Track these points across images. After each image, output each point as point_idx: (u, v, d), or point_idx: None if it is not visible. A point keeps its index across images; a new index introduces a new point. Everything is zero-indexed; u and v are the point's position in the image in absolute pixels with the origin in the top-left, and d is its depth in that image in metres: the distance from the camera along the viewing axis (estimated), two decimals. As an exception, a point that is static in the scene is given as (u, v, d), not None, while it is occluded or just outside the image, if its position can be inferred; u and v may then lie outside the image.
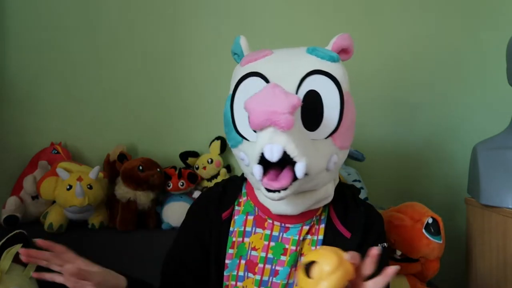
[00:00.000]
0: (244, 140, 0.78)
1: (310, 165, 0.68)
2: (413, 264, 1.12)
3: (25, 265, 1.06)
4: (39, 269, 1.07)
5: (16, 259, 1.02)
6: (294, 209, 0.78)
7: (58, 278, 0.70)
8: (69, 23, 1.51)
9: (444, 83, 1.57)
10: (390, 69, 1.56)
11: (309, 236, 0.83)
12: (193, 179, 1.43)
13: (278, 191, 0.67)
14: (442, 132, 1.58)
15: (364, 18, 1.55)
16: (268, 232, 0.83)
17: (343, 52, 0.81)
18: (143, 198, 1.36)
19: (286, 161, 0.66)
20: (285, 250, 0.82)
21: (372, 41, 1.54)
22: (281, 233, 0.83)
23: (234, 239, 0.84)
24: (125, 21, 1.53)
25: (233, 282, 0.82)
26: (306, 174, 0.69)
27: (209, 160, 1.47)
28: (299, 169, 0.65)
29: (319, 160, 0.73)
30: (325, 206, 0.85)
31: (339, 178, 0.92)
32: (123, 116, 1.54)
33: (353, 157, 1.43)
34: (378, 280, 0.60)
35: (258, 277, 0.81)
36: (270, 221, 0.84)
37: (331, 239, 0.82)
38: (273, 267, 0.81)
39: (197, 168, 1.48)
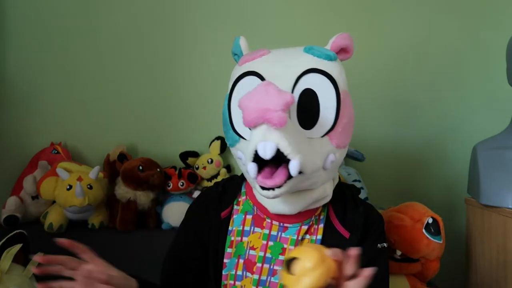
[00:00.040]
0: (241, 139, 0.78)
1: (304, 163, 0.68)
2: (413, 264, 1.12)
3: (25, 265, 1.06)
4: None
5: (16, 259, 1.02)
6: (292, 208, 0.78)
7: (67, 285, 0.69)
8: (69, 23, 1.51)
9: (444, 83, 1.57)
10: (390, 69, 1.56)
11: (307, 236, 0.83)
12: (193, 179, 1.43)
13: (273, 189, 0.67)
14: (442, 132, 1.58)
15: (364, 18, 1.55)
16: (266, 231, 0.83)
17: (343, 52, 0.81)
18: (143, 198, 1.36)
19: (280, 159, 0.66)
20: (284, 249, 0.81)
21: (372, 41, 1.54)
22: (279, 233, 0.83)
23: (232, 238, 0.84)
24: (125, 21, 1.53)
25: (232, 282, 0.82)
26: (301, 172, 0.69)
27: (209, 160, 1.47)
28: (293, 167, 0.65)
29: (315, 158, 0.73)
30: (324, 205, 0.85)
31: (339, 178, 0.92)
32: (123, 116, 1.54)
33: (353, 157, 1.43)
34: (358, 281, 0.60)
35: (256, 276, 0.81)
36: (269, 221, 0.84)
37: (329, 239, 0.81)
38: (271, 266, 0.81)
39: (197, 168, 1.48)
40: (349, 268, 0.60)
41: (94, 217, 1.35)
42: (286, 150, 0.64)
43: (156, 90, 1.54)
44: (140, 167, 1.35)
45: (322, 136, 0.75)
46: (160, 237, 1.32)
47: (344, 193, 0.87)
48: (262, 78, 0.75)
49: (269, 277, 0.81)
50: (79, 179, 1.28)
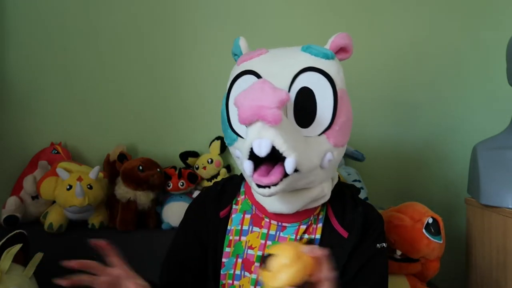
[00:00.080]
0: (239, 138, 0.79)
1: (300, 161, 0.68)
2: (413, 264, 1.12)
3: (25, 265, 1.06)
4: (38, 270, 1.08)
5: (16, 259, 1.02)
6: (290, 208, 0.78)
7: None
8: (69, 23, 1.51)
9: (444, 83, 1.57)
10: (390, 69, 1.56)
11: (306, 236, 0.82)
12: (193, 179, 1.43)
13: (269, 186, 0.68)
14: (442, 132, 1.57)
15: (364, 18, 1.55)
16: (265, 231, 0.83)
17: (342, 51, 0.81)
18: (143, 198, 1.36)
19: (277, 157, 0.66)
20: None
21: (372, 41, 1.54)
22: (278, 232, 0.83)
23: (231, 237, 0.84)
24: (125, 21, 1.53)
25: (230, 281, 0.82)
26: (297, 171, 0.69)
27: (209, 160, 1.47)
28: (289, 165, 0.66)
29: (311, 157, 0.73)
30: (323, 205, 0.85)
31: (339, 177, 0.92)
32: (123, 116, 1.54)
33: (353, 157, 1.43)
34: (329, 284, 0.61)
35: (254, 276, 0.81)
36: (267, 220, 0.84)
37: (328, 239, 0.81)
38: None
39: (197, 168, 1.48)
40: (324, 267, 0.61)
41: (94, 217, 1.35)
42: (282, 148, 0.64)
43: (156, 90, 1.54)
44: (140, 167, 1.35)
45: (319, 135, 0.75)
46: (160, 237, 1.32)
47: (343, 192, 0.87)
48: (259, 77, 0.75)
49: None
50: (79, 179, 1.28)
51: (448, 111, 1.57)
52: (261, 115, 0.62)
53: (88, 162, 1.50)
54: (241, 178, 0.91)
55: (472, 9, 1.56)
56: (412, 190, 1.57)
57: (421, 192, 1.56)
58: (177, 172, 1.42)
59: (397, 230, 1.10)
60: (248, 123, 0.64)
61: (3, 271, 0.98)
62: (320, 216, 0.84)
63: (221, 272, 0.83)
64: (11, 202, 1.33)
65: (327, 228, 0.83)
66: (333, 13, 1.55)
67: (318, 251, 0.60)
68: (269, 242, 0.82)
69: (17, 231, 1.05)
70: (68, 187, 1.26)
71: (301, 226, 0.82)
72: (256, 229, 0.84)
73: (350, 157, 1.45)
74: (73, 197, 1.25)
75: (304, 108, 0.74)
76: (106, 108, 1.53)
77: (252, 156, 0.66)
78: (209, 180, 1.48)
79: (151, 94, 1.54)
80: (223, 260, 0.83)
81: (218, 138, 1.49)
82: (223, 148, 1.49)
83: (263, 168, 0.69)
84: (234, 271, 0.82)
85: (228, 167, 1.53)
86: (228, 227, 0.85)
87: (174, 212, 1.37)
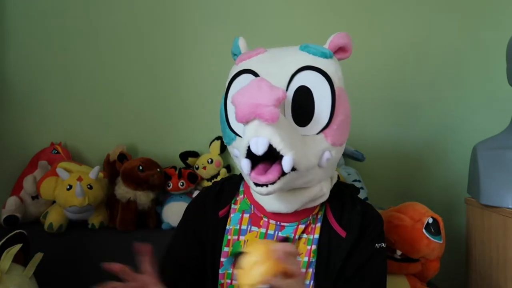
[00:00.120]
0: (237, 137, 0.79)
1: (298, 159, 0.68)
2: (413, 264, 1.12)
3: (25, 265, 1.06)
4: (38, 270, 1.08)
5: (16, 259, 1.02)
6: (288, 207, 0.79)
7: None
8: (69, 23, 1.51)
9: (444, 83, 1.57)
10: (390, 69, 1.56)
11: (304, 235, 0.83)
12: (193, 179, 1.43)
13: (266, 185, 0.68)
14: (442, 132, 1.57)
15: (364, 18, 1.55)
16: (263, 230, 0.83)
17: (341, 51, 0.81)
18: (143, 198, 1.36)
19: (274, 156, 0.66)
20: None
21: (372, 41, 1.54)
22: (276, 232, 0.83)
23: (229, 237, 0.84)
24: (125, 21, 1.53)
25: (228, 281, 0.82)
26: (295, 169, 0.70)
27: (209, 160, 1.47)
28: (286, 163, 0.66)
29: (309, 155, 0.73)
30: (322, 204, 0.85)
31: (338, 177, 0.92)
32: (123, 116, 1.54)
33: (353, 157, 1.43)
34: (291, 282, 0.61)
35: None
36: (266, 220, 0.84)
37: (326, 238, 0.81)
38: None
39: (197, 168, 1.48)
40: (295, 264, 0.61)
41: (94, 217, 1.35)
42: (279, 146, 0.65)
43: (156, 90, 1.54)
44: (140, 167, 1.35)
45: (317, 134, 0.75)
46: (160, 237, 1.30)
47: (342, 192, 0.87)
48: (257, 76, 0.75)
49: None
50: (79, 179, 1.28)
51: (448, 111, 1.57)
52: (258, 113, 0.62)
53: (88, 162, 1.50)
54: (240, 178, 0.92)
55: (472, 9, 1.56)
56: (412, 190, 1.57)
57: (421, 192, 1.56)
58: (177, 172, 1.42)
59: (397, 230, 1.10)
60: (245, 121, 0.65)
61: (3, 271, 0.98)
62: (319, 216, 0.84)
63: (220, 272, 0.83)
64: (11, 202, 1.33)
65: (326, 227, 0.83)
66: (333, 13, 1.55)
67: (288, 248, 0.61)
68: None
69: (17, 231, 1.05)
70: (68, 187, 1.26)
71: (299, 226, 0.82)
72: (254, 228, 0.84)
73: (350, 157, 1.45)
74: (73, 197, 1.25)
75: (302, 106, 0.74)
76: (106, 108, 1.53)
77: (250, 154, 0.67)
78: (209, 180, 1.48)
79: (151, 94, 1.54)
80: (222, 259, 0.83)
81: (218, 138, 1.49)
82: (223, 148, 1.49)
83: (260, 167, 0.69)
84: (233, 271, 0.82)
85: (228, 167, 1.53)
86: (227, 227, 0.85)
87: (174, 212, 1.37)
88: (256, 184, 0.69)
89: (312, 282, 0.80)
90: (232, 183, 0.91)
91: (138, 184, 1.34)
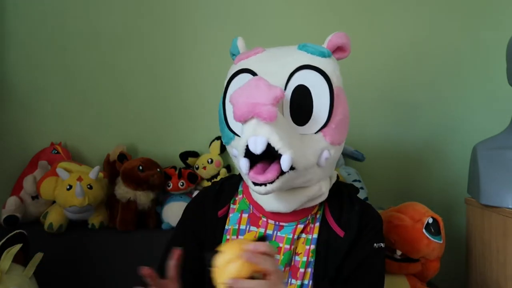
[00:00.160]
0: (236, 137, 0.79)
1: (296, 158, 0.68)
2: (413, 264, 1.12)
3: (25, 265, 1.06)
4: (38, 270, 1.08)
5: (16, 259, 1.02)
6: (287, 206, 0.79)
7: None
8: (69, 23, 1.52)
9: (444, 83, 1.57)
10: (390, 69, 1.56)
11: (303, 235, 0.83)
12: (193, 179, 1.43)
13: (265, 184, 0.68)
14: (442, 132, 1.57)
15: (364, 19, 1.55)
16: (262, 230, 0.83)
17: (339, 50, 0.81)
18: (143, 198, 1.36)
19: (273, 155, 0.66)
20: (279, 248, 0.81)
21: (372, 41, 1.54)
22: (275, 232, 0.83)
23: (228, 237, 0.84)
24: (126, 21, 1.53)
25: None
26: (293, 168, 0.70)
27: (209, 160, 1.47)
28: (284, 162, 0.66)
29: (308, 154, 0.73)
30: (321, 204, 0.85)
31: (338, 177, 0.92)
32: (123, 116, 1.54)
33: (353, 157, 1.44)
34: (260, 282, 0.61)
35: None
36: (264, 219, 0.84)
37: (325, 238, 0.81)
38: None
39: (197, 168, 1.48)
40: (269, 261, 0.61)
41: (94, 217, 1.35)
42: (277, 145, 0.65)
43: (156, 90, 1.54)
44: (140, 167, 1.35)
45: (316, 133, 0.75)
46: (160, 237, 1.31)
47: (341, 192, 0.87)
48: (255, 75, 0.75)
49: None
50: (79, 179, 1.28)
51: (448, 111, 1.57)
52: (256, 112, 0.62)
53: (88, 162, 1.50)
54: (239, 178, 0.92)
55: (472, 9, 1.56)
56: (412, 190, 1.57)
57: (421, 192, 1.55)
58: (177, 172, 1.42)
59: (397, 230, 1.10)
60: (243, 120, 0.65)
61: (3, 271, 0.98)
62: (318, 215, 0.84)
63: None
64: (11, 202, 1.33)
65: (324, 227, 0.83)
66: (333, 13, 1.55)
67: (262, 247, 0.61)
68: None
69: (17, 231, 1.05)
70: (68, 187, 1.26)
71: (298, 226, 0.82)
72: (253, 228, 0.84)
73: (350, 157, 1.45)
74: (73, 197, 1.25)
75: (300, 106, 0.74)
76: (106, 108, 1.53)
77: (248, 153, 0.67)
78: (209, 180, 1.48)
79: (151, 94, 1.54)
80: None
81: (218, 138, 1.49)
82: (223, 148, 1.49)
83: (259, 166, 0.69)
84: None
85: (228, 167, 1.53)
86: (226, 227, 0.85)
87: (174, 212, 1.37)
88: (255, 184, 0.69)
89: (311, 281, 0.80)
90: (231, 183, 0.91)
91: (138, 184, 1.34)
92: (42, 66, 1.51)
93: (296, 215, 0.82)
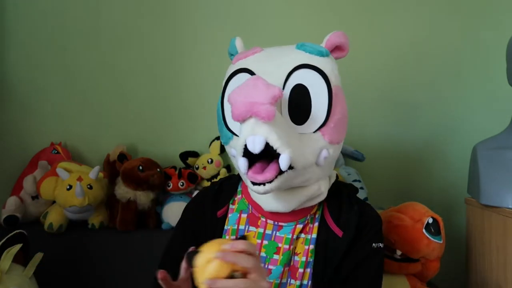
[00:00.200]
0: (235, 136, 0.79)
1: (295, 158, 0.68)
2: (413, 264, 1.12)
3: (25, 265, 1.06)
4: (38, 270, 1.08)
5: (16, 259, 1.02)
6: (286, 206, 0.78)
7: None
8: (69, 23, 1.52)
9: (444, 83, 1.57)
10: (390, 69, 1.56)
11: (302, 235, 0.83)
12: (193, 179, 1.43)
13: (264, 184, 0.68)
14: (442, 132, 1.57)
15: (364, 19, 1.55)
16: (261, 230, 0.83)
17: (338, 50, 0.81)
18: (143, 198, 1.36)
19: (271, 155, 0.66)
20: (278, 248, 0.81)
21: (372, 41, 1.54)
22: (274, 232, 0.83)
23: (227, 237, 0.84)
24: (126, 21, 1.53)
25: None
26: (292, 168, 0.70)
27: (209, 160, 1.47)
28: (283, 161, 0.66)
29: (306, 154, 0.73)
30: (320, 204, 0.85)
31: (337, 177, 0.92)
32: (123, 116, 1.54)
33: (353, 157, 1.43)
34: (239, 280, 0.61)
35: None
36: (264, 219, 0.84)
37: (324, 238, 0.81)
38: (266, 266, 0.81)
39: (197, 168, 1.48)
40: (249, 260, 0.61)
41: (94, 217, 1.35)
42: (276, 144, 0.65)
43: (156, 90, 1.54)
44: (140, 167, 1.35)
45: (314, 132, 0.75)
46: (160, 237, 1.32)
47: (341, 192, 0.87)
48: (253, 75, 0.75)
49: None
50: (79, 179, 1.28)
51: (448, 111, 1.57)
52: (254, 111, 0.62)
53: (88, 162, 1.50)
54: (238, 178, 0.92)
55: (472, 9, 1.56)
56: (412, 190, 1.57)
57: (421, 192, 1.55)
58: (177, 172, 1.42)
59: (397, 230, 1.10)
60: (241, 120, 0.65)
61: (3, 271, 0.98)
62: (317, 215, 0.84)
63: None
64: (11, 202, 1.33)
65: (323, 227, 0.83)
66: (333, 13, 1.55)
67: (240, 245, 0.61)
68: (265, 242, 0.82)
69: (17, 231, 1.05)
70: (68, 187, 1.26)
71: (297, 226, 0.82)
72: (252, 228, 0.84)
73: (350, 157, 1.45)
74: (73, 197, 1.25)
75: (298, 105, 0.74)
76: (106, 108, 1.53)
77: (247, 153, 0.67)
78: (209, 180, 1.48)
79: (151, 94, 1.54)
80: None
81: (218, 138, 1.49)
82: (223, 148, 1.49)
83: (258, 166, 0.69)
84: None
85: (228, 167, 1.53)
86: (225, 227, 0.85)
87: (174, 212, 1.37)
88: (254, 183, 0.69)
89: (310, 282, 0.80)
90: (230, 183, 0.91)
91: (138, 184, 1.34)
92: (42, 66, 1.51)
93: (295, 215, 0.82)
